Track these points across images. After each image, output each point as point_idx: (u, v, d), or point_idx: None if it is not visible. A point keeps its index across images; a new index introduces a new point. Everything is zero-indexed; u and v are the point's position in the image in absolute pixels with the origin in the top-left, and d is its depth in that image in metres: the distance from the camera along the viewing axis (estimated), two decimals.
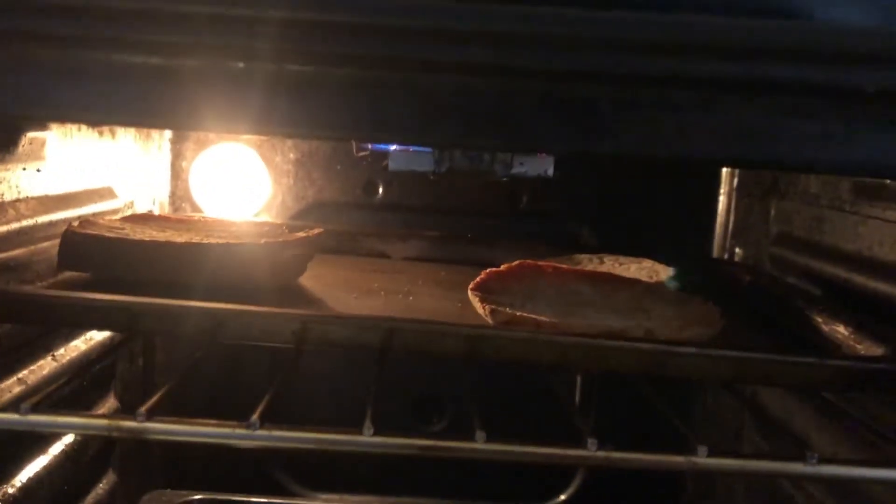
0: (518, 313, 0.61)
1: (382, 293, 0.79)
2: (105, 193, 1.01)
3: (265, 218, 1.22)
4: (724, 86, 0.43)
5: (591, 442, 0.46)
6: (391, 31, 0.43)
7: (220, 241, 0.77)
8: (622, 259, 0.94)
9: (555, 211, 1.22)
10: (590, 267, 0.92)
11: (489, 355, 0.58)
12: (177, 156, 1.21)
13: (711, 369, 0.56)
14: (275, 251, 0.74)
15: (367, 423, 0.45)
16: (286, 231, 0.86)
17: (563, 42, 0.41)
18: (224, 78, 0.45)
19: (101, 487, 1.03)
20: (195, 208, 1.22)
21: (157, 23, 0.44)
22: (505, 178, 0.85)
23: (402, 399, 1.24)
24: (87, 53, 0.45)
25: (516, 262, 0.78)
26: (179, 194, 1.23)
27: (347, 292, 0.78)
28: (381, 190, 1.21)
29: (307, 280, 0.81)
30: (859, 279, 0.82)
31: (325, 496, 1.28)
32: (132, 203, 1.10)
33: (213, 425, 0.45)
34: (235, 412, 0.48)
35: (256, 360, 1.16)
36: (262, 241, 0.74)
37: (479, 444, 0.46)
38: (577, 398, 1.20)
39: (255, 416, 0.45)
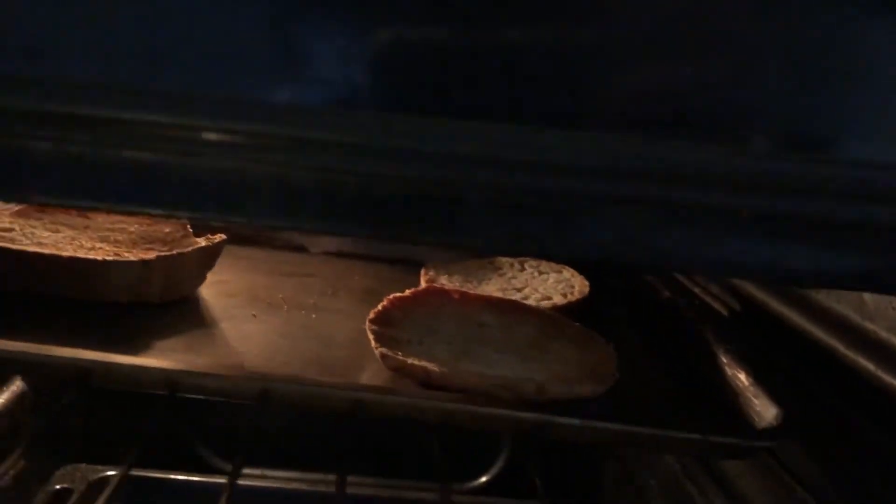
0: (409, 361, 0.59)
1: (285, 308, 0.76)
2: None
3: None
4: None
5: None
6: None
7: (110, 248, 0.73)
8: (543, 266, 0.92)
9: None
10: (508, 274, 0.90)
11: (371, 415, 0.56)
12: None
13: (594, 438, 0.55)
14: (168, 266, 0.71)
15: None
16: (187, 232, 0.81)
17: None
18: None
19: (9, 472, 1.01)
20: None
21: None
22: None
23: None
24: None
25: (422, 287, 0.75)
26: None
27: (248, 307, 0.75)
28: None
29: (207, 288, 0.77)
30: (772, 301, 0.81)
31: (247, 471, 1.27)
32: None
33: None
34: None
35: None
36: (154, 255, 0.71)
37: None
38: None
39: None
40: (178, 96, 0.37)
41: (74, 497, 1.00)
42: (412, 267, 0.95)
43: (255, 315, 0.73)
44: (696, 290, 0.94)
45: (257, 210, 0.40)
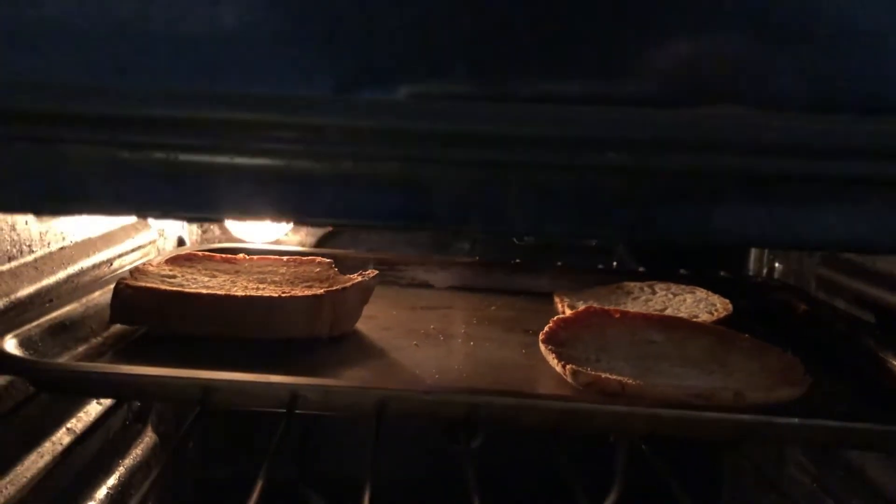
0: (603, 375, 0.60)
1: (441, 337, 0.77)
2: (140, 226, 0.98)
3: (296, 241, 1.21)
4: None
5: None
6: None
7: (275, 288, 0.75)
8: (674, 288, 0.92)
9: None
10: (641, 297, 0.91)
11: (578, 427, 0.57)
12: None
13: (806, 437, 0.55)
14: (335, 301, 0.72)
15: None
16: (335, 271, 0.83)
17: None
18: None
19: None
20: (223, 230, 1.20)
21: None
22: None
23: None
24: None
25: (583, 308, 0.76)
26: None
27: (407, 338, 0.76)
28: None
29: (361, 323, 0.79)
30: None
31: None
32: (163, 231, 1.07)
33: None
34: None
35: None
36: (322, 290, 0.72)
37: None
38: None
39: None
40: None
41: None
42: (539, 297, 0.96)
43: (417, 345, 0.75)
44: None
45: (520, 217, 0.42)
